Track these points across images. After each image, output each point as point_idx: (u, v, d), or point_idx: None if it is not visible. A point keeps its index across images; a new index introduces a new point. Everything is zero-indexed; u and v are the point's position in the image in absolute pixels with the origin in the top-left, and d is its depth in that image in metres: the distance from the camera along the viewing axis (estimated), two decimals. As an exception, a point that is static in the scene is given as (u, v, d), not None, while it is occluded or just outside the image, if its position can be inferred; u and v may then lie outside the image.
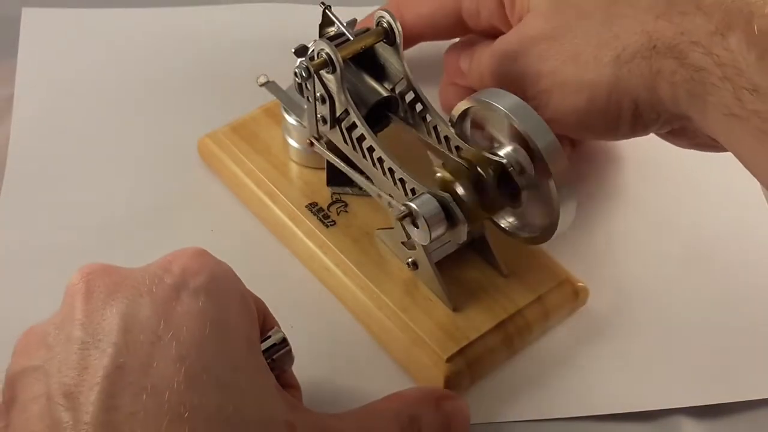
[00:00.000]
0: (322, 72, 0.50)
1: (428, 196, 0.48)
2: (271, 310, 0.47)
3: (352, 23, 0.54)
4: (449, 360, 0.50)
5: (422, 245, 0.50)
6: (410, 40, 0.60)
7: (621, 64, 0.48)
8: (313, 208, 0.56)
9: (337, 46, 0.50)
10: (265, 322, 0.46)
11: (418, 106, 0.52)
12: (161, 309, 0.40)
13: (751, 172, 0.47)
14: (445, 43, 0.60)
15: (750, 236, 0.58)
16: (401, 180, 0.50)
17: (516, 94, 0.51)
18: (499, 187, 0.49)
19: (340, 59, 0.49)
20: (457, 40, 0.61)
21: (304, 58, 0.51)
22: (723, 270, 0.57)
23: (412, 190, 0.49)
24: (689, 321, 0.55)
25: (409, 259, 0.52)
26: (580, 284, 0.53)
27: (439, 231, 0.48)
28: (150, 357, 0.38)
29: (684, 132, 0.51)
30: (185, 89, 0.64)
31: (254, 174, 0.57)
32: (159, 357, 0.38)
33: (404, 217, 0.48)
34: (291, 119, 0.56)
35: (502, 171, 0.49)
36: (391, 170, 0.50)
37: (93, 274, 0.41)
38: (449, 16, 0.57)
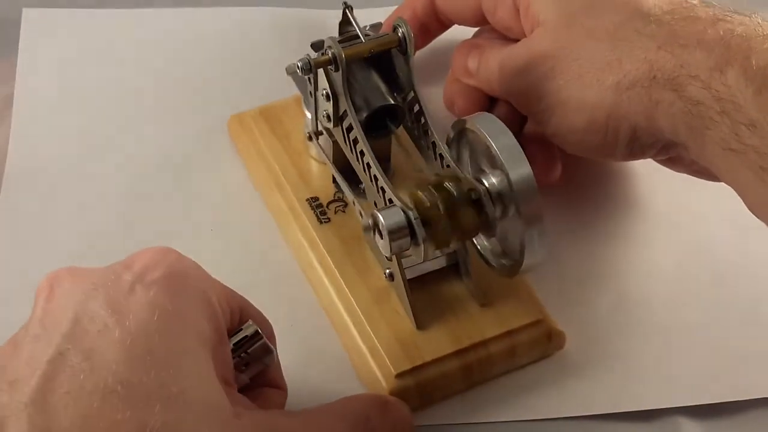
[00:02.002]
0: (330, 69, 0.50)
1: (397, 209, 0.48)
2: (258, 299, 0.47)
3: (376, 26, 0.54)
4: (399, 376, 0.49)
5: (396, 258, 0.50)
6: (442, 23, 0.61)
7: (621, 90, 0.49)
8: (313, 202, 0.56)
9: (349, 46, 0.51)
10: (242, 319, 0.46)
11: (423, 119, 0.52)
12: (113, 300, 0.40)
13: (748, 206, 0.47)
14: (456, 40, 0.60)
15: (750, 236, 0.57)
16: (382, 189, 0.50)
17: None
18: (477, 213, 0.48)
19: (344, 59, 0.49)
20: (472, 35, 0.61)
21: (318, 53, 0.51)
22: (723, 270, 0.56)
23: (389, 201, 0.49)
24: (689, 321, 0.54)
25: (387, 270, 0.52)
26: (557, 328, 0.52)
27: (400, 245, 0.48)
28: (94, 343, 0.39)
29: (680, 159, 0.51)
30: (185, 89, 0.64)
31: (267, 159, 0.58)
32: (103, 342, 0.39)
33: (370, 228, 0.48)
34: (310, 114, 0.56)
35: (480, 198, 0.48)
36: (375, 177, 0.50)
37: (58, 276, 0.42)
38: (470, 6, 0.57)
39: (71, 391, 0.37)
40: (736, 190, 0.47)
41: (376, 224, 0.48)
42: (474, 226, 0.48)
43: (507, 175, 0.46)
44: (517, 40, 0.55)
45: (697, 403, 0.51)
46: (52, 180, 0.59)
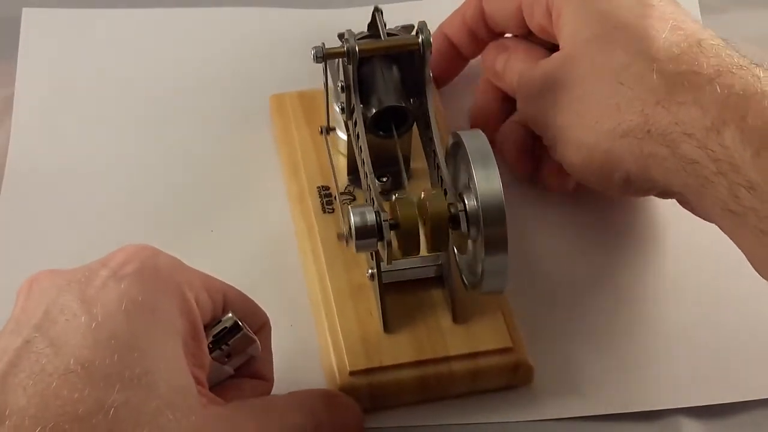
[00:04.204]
0: (345, 62, 0.51)
1: (369, 209, 0.48)
2: (261, 290, 0.48)
3: (408, 28, 0.54)
4: (352, 374, 0.49)
5: (375, 258, 0.50)
6: (491, 30, 0.60)
7: (615, 137, 0.48)
8: (324, 190, 0.56)
9: (368, 42, 0.51)
10: (225, 309, 0.46)
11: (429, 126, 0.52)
12: (84, 293, 0.42)
13: (752, 266, 0.46)
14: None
15: None
16: (369, 186, 0.50)
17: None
18: (452, 228, 0.48)
19: (357, 53, 0.50)
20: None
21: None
22: (723, 269, 0.56)
23: (372, 200, 0.49)
24: (689, 321, 0.54)
25: (370, 270, 0.52)
26: (526, 360, 0.51)
27: (365, 245, 0.48)
28: (61, 331, 0.40)
29: (687, 203, 0.50)
30: (186, 91, 0.64)
31: (292, 142, 0.59)
32: (69, 329, 0.40)
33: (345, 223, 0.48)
34: (337, 108, 0.56)
35: (457, 215, 0.47)
36: (366, 174, 0.50)
37: (38, 277, 0.44)
38: (512, 10, 0.57)
39: (32, 374, 0.39)
40: (739, 248, 0.46)
41: (348, 221, 0.48)
42: (446, 240, 0.48)
43: (477, 198, 0.46)
44: (548, 44, 0.55)
45: (699, 404, 0.51)
46: (52, 180, 0.59)
